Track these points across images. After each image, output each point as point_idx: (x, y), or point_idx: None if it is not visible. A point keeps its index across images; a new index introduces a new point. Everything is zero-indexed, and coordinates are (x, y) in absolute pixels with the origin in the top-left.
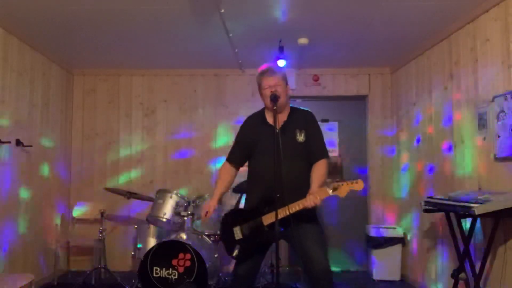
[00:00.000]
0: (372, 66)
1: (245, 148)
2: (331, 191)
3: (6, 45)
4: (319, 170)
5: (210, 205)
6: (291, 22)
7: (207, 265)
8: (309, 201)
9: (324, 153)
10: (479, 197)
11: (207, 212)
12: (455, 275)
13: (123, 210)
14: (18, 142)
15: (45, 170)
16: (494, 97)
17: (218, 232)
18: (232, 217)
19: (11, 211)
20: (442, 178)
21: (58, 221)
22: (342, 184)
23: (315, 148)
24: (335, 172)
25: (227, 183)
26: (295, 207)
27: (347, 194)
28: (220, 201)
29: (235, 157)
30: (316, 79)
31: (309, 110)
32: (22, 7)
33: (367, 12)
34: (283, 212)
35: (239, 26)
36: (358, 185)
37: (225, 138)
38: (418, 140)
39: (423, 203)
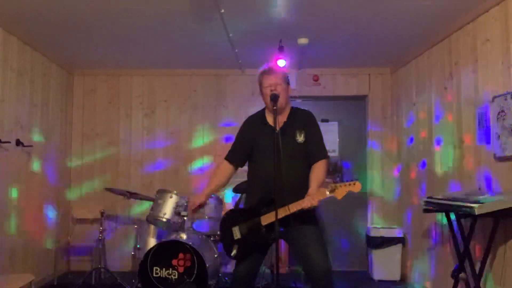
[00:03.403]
0: (372, 66)
1: (245, 148)
2: (328, 192)
3: (6, 45)
4: (317, 171)
5: (194, 201)
6: (291, 22)
7: (207, 265)
8: (306, 202)
9: (323, 154)
10: (479, 197)
11: (194, 209)
12: (455, 275)
13: (123, 210)
14: (18, 142)
15: (45, 170)
16: (494, 97)
17: (218, 232)
18: (232, 217)
19: (11, 211)
20: (442, 178)
21: (58, 221)
22: (340, 186)
23: (314, 149)
24: (335, 172)
25: (220, 182)
26: (293, 208)
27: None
28: (221, 201)
29: (235, 156)
30: (316, 79)
31: (309, 110)
32: (22, 7)
33: (367, 12)
34: (281, 213)
35: (239, 26)
36: (356, 187)
37: (225, 138)
38: (418, 140)
39: (423, 203)
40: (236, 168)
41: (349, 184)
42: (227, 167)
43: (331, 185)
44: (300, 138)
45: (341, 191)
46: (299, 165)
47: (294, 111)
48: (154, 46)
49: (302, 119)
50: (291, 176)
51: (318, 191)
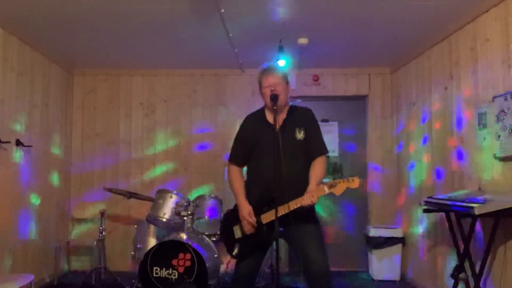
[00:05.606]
0: (372, 66)
1: (247, 147)
2: (327, 188)
3: (6, 45)
4: (317, 167)
5: (248, 209)
6: (291, 22)
7: (207, 265)
8: (306, 199)
9: (322, 150)
10: (479, 197)
11: (251, 217)
12: (455, 275)
13: (123, 210)
14: (18, 142)
15: (45, 170)
16: (494, 97)
17: (218, 232)
18: (232, 216)
19: (11, 211)
20: (442, 178)
21: (58, 221)
22: (339, 182)
23: (314, 145)
24: (335, 172)
25: (243, 184)
26: (293, 205)
27: (344, 192)
28: (221, 201)
29: (239, 157)
30: (316, 79)
31: (307, 107)
32: (22, 7)
33: (367, 12)
34: (281, 210)
35: (239, 26)
36: (354, 183)
37: (224, 138)
38: (418, 140)
39: (423, 203)
40: (243, 167)
41: (348, 181)
42: (238, 170)
43: (330, 181)
44: (300, 135)
45: (340, 188)
46: (299, 162)
47: (293, 108)
48: (154, 46)
49: (301, 116)
50: (292, 174)
51: (317, 188)
